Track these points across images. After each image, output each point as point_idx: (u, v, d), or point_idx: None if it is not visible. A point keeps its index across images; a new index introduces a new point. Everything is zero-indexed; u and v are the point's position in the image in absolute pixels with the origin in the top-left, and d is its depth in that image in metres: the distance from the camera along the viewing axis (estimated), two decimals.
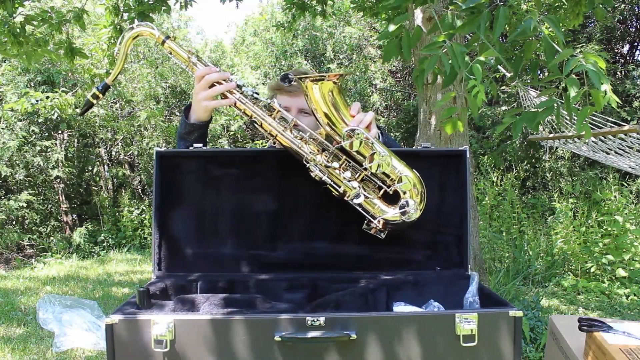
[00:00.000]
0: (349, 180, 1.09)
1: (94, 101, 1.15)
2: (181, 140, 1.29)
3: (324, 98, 1.08)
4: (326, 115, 1.08)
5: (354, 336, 0.91)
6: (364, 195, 1.09)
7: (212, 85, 1.17)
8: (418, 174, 1.10)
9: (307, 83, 1.08)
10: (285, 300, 1.11)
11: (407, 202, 1.08)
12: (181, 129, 1.29)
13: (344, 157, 1.11)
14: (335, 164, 1.10)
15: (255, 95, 1.15)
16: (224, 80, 1.16)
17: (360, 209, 1.11)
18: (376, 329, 0.92)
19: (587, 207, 5.06)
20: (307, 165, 1.11)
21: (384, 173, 1.09)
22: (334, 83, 1.08)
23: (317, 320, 0.91)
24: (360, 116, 1.11)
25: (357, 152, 1.08)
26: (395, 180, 1.09)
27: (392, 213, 1.09)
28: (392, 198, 1.11)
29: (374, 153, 1.07)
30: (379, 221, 1.10)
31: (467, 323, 0.92)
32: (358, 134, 1.06)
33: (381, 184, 1.11)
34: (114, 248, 6.96)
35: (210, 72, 1.16)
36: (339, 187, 1.10)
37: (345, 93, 1.11)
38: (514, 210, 5.57)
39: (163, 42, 1.16)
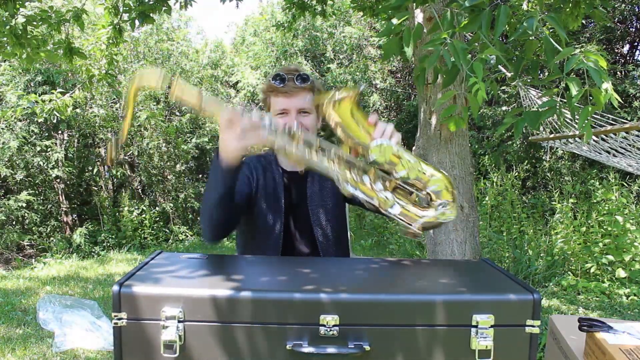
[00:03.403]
0: (382, 192, 1.09)
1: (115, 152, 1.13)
2: (213, 190, 1.19)
3: (344, 116, 1.07)
4: (349, 132, 1.08)
5: (367, 347, 0.90)
6: (399, 204, 1.09)
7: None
8: (447, 174, 1.10)
9: (326, 106, 1.07)
10: None
11: (442, 202, 1.09)
12: (215, 176, 1.17)
13: (372, 169, 1.10)
14: (366, 178, 1.10)
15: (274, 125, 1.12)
16: (254, 126, 1.09)
17: (397, 218, 1.11)
18: (391, 340, 0.92)
19: (587, 207, 5.06)
20: (338, 184, 1.10)
21: (415, 178, 1.08)
22: (352, 99, 1.07)
23: (331, 330, 0.90)
24: (382, 126, 1.09)
25: (385, 164, 1.07)
26: (426, 184, 1.08)
27: (429, 216, 1.10)
28: (424, 201, 1.12)
29: (402, 161, 1.07)
30: (417, 226, 1.11)
31: (483, 339, 0.92)
32: (385, 146, 1.06)
33: (412, 190, 1.10)
34: (114, 248, 6.96)
35: (239, 120, 1.08)
36: (373, 199, 1.10)
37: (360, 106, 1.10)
38: (514, 210, 5.57)
39: (169, 87, 1.09)
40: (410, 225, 1.11)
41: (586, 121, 1.07)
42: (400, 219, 1.11)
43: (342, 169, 1.10)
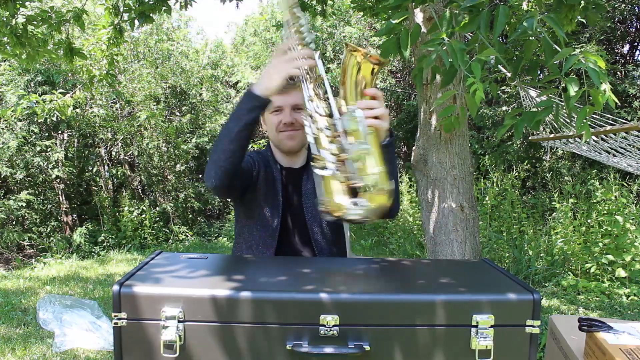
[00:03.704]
0: (328, 153, 1.07)
1: None
2: (235, 120, 1.20)
3: (356, 75, 1.07)
4: (347, 89, 1.07)
5: (367, 347, 0.90)
6: (331, 173, 1.06)
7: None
8: (392, 187, 1.07)
9: (352, 53, 1.06)
10: None
11: (359, 201, 1.05)
12: (244, 105, 1.20)
13: (340, 132, 1.08)
14: (327, 132, 1.08)
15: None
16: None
17: (320, 183, 1.09)
18: (390, 340, 0.92)
19: (587, 207, 5.06)
20: (304, 118, 1.11)
21: (356, 165, 1.05)
22: (372, 72, 1.06)
23: (331, 330, 0.90)
24: (372, 103, 1.08)
25: (346, 132, 1.06)
26: (362, 176, 1.05)
27: (342, 203, 1.06)
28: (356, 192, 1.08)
29: (358, 142, 1.05)
30: (326, 202, 1.07)
31: (483, 339, 0.92)
32: (354, 116, 1.05)
33: (351, 174, 1.07)
34: (114, 248, 6.96)
35: (295, 54, 1.14)
36: (314, 150, 1.09)
37: (376, 83, 1.09)
38: (514, 210, 5.57)
39: None
40: (322, 198, 1.08)
41: (584, 121, 1.08)
42: (321, 185, 1.09)
43: (320, 110, 1.10)
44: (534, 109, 1.13)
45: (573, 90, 1.02)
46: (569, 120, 3.97)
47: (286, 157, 1.52)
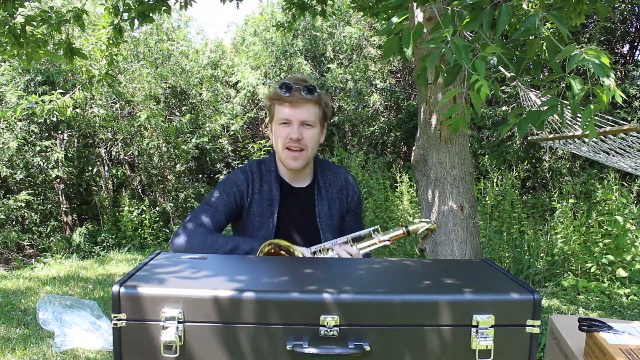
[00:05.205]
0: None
1: None
2: (230, 247, 1.34)
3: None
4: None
5: (367, 348, 0.90)
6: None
7: None
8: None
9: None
10: None
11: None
12: (244, 248, 1.33)
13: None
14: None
15: None
16: None
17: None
18: (391, 341, 0.92)
19: (587, 207, 5.06)
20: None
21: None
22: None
23: (331, 330, 0.90)
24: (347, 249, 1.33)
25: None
26: None
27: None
28: None
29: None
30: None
31: (483, 339, 0.91)
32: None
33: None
34: (114, 248, 6.96)
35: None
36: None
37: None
38: (514, 210, 5.56)
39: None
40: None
41: (589, 119, 1.07)
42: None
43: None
44: (537, 109, 1.13)
45: (577, 88, 1.02)
46: (572, 120, 3.96)
47: (290, 172, 1.47)
